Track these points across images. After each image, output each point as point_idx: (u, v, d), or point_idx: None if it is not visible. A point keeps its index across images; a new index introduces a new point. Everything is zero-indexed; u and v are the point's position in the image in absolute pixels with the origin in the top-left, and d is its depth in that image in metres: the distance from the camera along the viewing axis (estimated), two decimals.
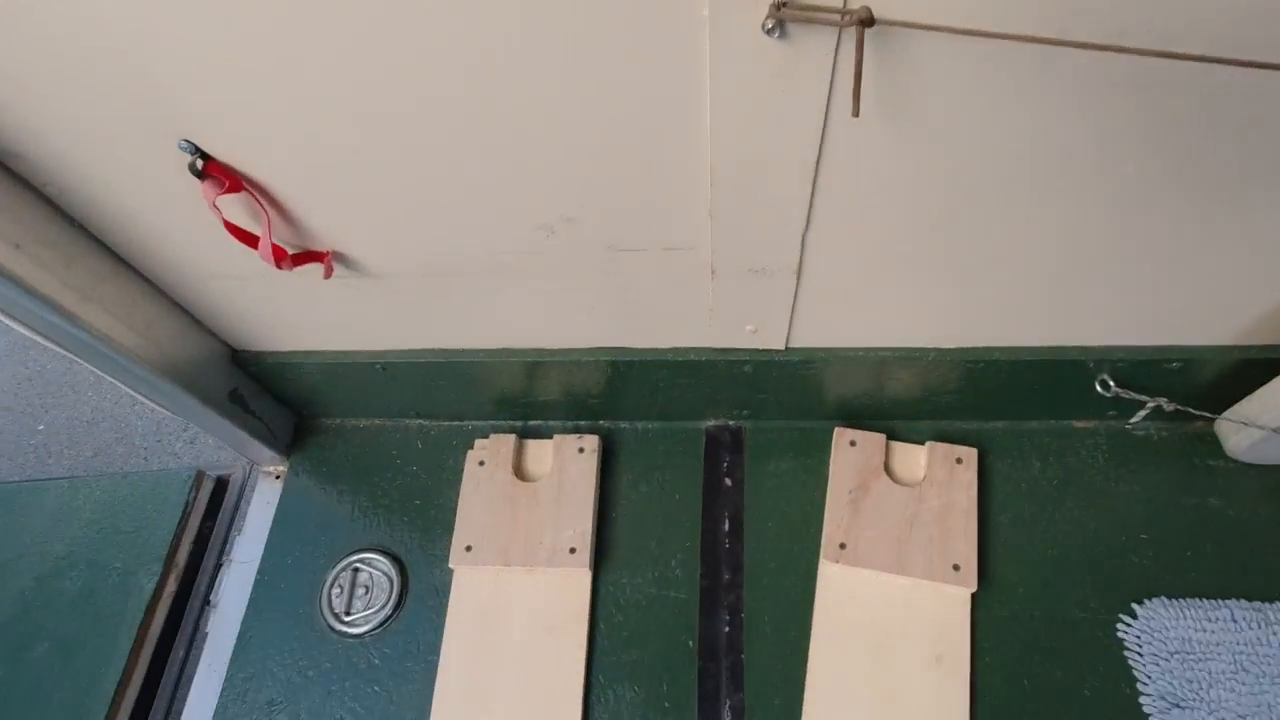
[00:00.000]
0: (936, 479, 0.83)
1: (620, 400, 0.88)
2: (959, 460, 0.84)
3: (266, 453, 0.93)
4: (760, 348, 0.77)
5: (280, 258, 0.62)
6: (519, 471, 0.89)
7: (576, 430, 0.92)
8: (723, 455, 0.90)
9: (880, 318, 0.74)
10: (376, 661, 0.82)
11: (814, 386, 0.83)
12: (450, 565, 0.83)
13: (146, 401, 0.78)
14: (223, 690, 0.82)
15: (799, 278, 0.67)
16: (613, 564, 0.85)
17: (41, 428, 1.76)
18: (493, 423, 0.95)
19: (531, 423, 0.95)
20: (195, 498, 0.95)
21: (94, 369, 0.69)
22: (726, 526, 0.86)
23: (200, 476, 0.96)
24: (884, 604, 0.79)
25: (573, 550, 0.82)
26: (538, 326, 0.79)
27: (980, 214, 0.60)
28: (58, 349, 0.66)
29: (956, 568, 0.78)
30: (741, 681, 0.78)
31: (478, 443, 0.91)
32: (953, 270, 0.67)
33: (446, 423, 0.96)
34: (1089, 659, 0.76)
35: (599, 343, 0.80)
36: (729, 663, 0.79)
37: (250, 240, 0.62)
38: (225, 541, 0.94)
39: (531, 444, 0.91)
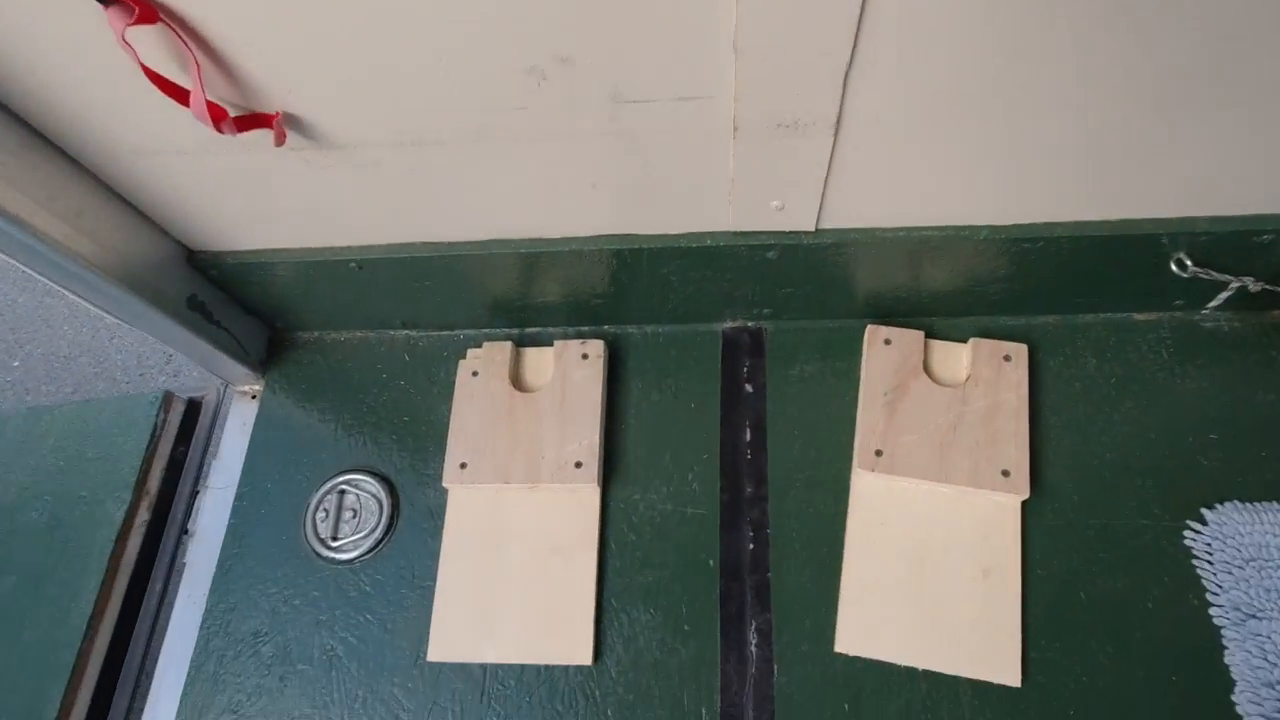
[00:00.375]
0: (982, 378, 0.74)
1: (627, 301, 0.79)
2: (1007, 357, 0.75)
3: (239, 370, 0.85)
4: (787, 229, 0.68)
5: (219, 118, 0.52)
6: (517, 382, 0.80)
7: (579, 336, 0.83)
8: (742, 359, 0.81)
9: (925, 189, 0.64)
10: (368, 588, 0.75)
11: (845, 277, 0.74)
12: (444, 484, 0.76)
13: (95, 308, 0.69)
14: (203, 622, 0.75)
15: (836, 134, 0.57)
16: (623, 479, 0.77)
17: (17, 364, 1.68)
18: (486, 331, 0.86)
19: (529, 330, 0.86)
20: (164, 420, 0.87)
21: (19, 264, 0.60)
22: (748, 436, 0.78)
23: (169, 398, 0.88)
24: (925, 515, 0.72)
25: (578, 465, 0.74)
26: (532, 212, 0.69)
27: (1053, 41, 0.49)
28: None
29: (1005, 473, 0.70)
30: (768, 601, 0.71)
31: (470, 352, 0.82)
32: (1017, 122, 0.56)
33: (435, 332, 0.87)
34: (1152, 569, 0.69)
35: (602, 229, 0.70)
36: (754, 582, 0.72)
37: (180, 95, 0.51)
38: (201, 467, 0.87)
39: (530, 352, 0.82)
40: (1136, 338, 0.78)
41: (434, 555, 0.75)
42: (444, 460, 0.77)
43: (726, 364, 0.81)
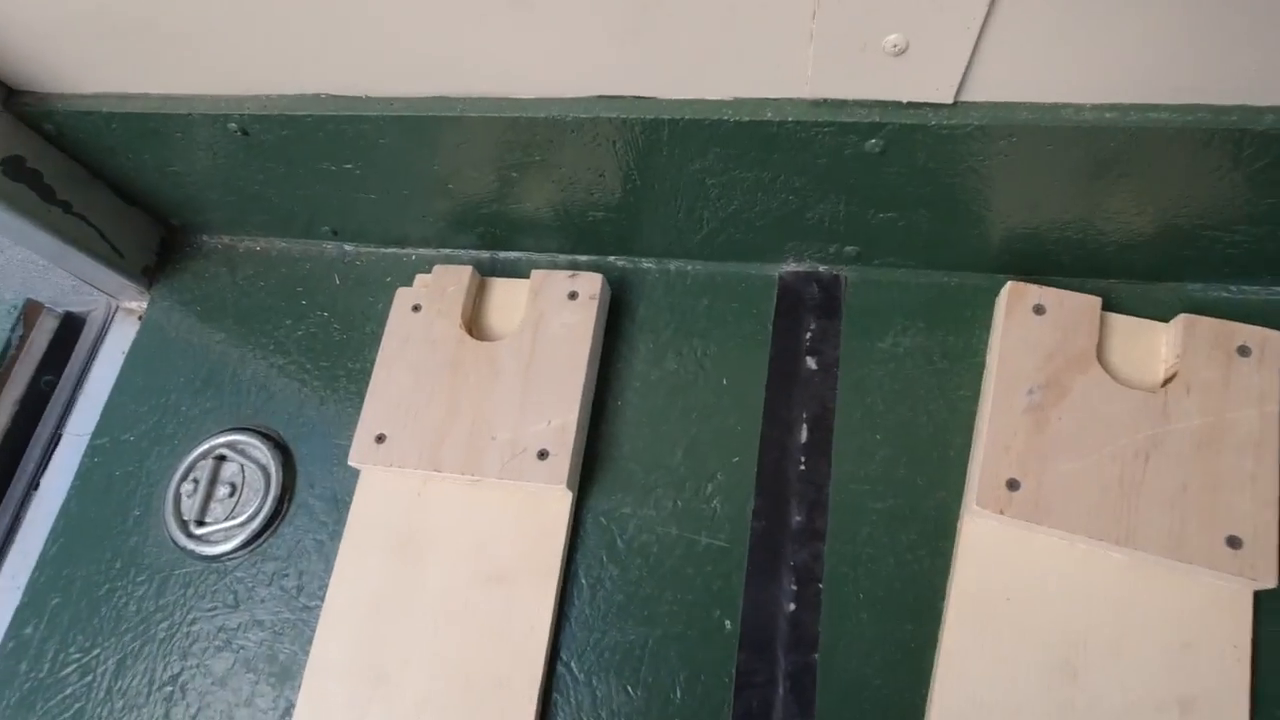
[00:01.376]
0: (1198, 379, 0.46)
1: (640, 216, 0.53)
2: (1243, 349, 0.46)
3: (114, 279, 0.63)
4: (907, 98, 0.40)
5: None
6: (474, 324, 0.56)
7: (573, 267, 0.58)
8: (805, 320, 0.55)
9: (1139, 48, 0.36)
10: (233, 600, 0.53)
11: (986, 195, 0.46)
12: (352, 462, 0.52)
13: None
14: (10, 628, 0.54)
15: None
16: (609, 483, 0.52)
17: None
18: (449, 252, 0.62)
19: (506, 254, 0.61)
20: (24, 339, 0.66)
21: None
22: (804, 436, 0.51)
23: (33, 310, 0.67)
24: (1086, 595, 0.44)
25: (544, 454, 0.50)
26: (494, 53, 0.43)
27: None
28: None
29: (1234, 542, 0.42)
30: (812, 701, 0.45)
31: (419, 278, 0.58)
32: None
33: (378, 248, 0.63)
34: None
35: (602, 87, 0.44)
36: (792, 665, 0.46)
37: None
38: (70, 404, 0.66)
39: (499, 284, 0.57)
40: None
41: (330, 561, 0.52)
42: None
43: (782, 325, 0.55)
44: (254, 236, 0.64)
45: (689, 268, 0.57)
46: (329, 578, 0.51)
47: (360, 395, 0.57)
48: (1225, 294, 0.51)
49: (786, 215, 0.50)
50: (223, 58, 0.46)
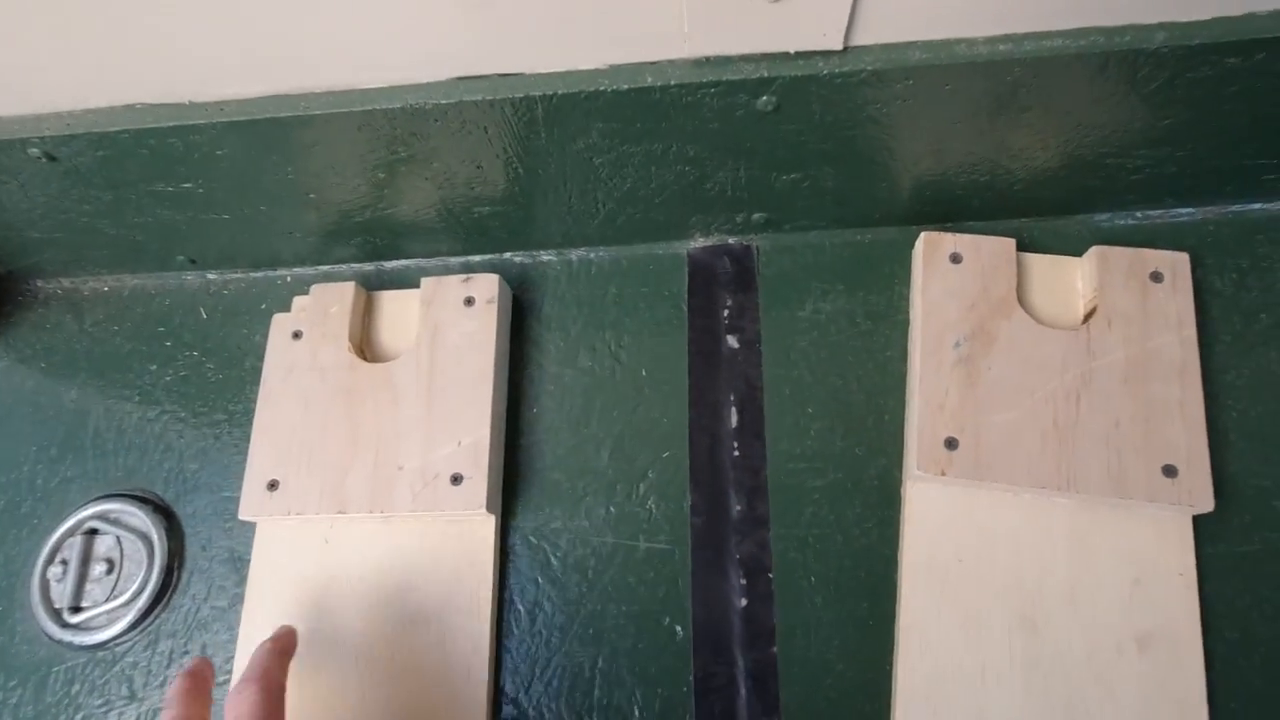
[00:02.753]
0: (1117, 311, 0.45)
1: (532, 207, 0.49)
2: (1156, 275, 0.45)
3: None
4: (794, 48, 0.37)
5: None
6: (365, 345, 0.50)
7: (466, 269, 0.53)
8: (720, 297, 0.51)
9: None
10: (127, 690, 0.46)
11: (888, 145, 0.43)
12: (243, 516, 0.46)
13: None
14: None
15: None
16: (534, 498, 0.48)
17: None
18: (326, 269, 0.56)
19: (392, 264, 0.55)
20: None
21: None
22: (734, 419, 0.48)
23: None
24: (1034, 547, 0.43)
25: (458, 479, 0.45)
26: (332, 39, 0.38)
27: None
28: None
29: (1170, 471, 0.41)
30: (776, 696, 0.43)
31: (297, 301, 0.52)
32: None
33: (246, 273, 0.56)
34: None
35: (460, 68, 0.39)
36: (751, 662, 0.43)
37: None
38: None
39: (386, 297, 0.52)
40: None
41: (236, 630, 0.47)
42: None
43: (696, 305, 0.51)
44: (99, 275, 0.57)
45: (592, 255, 0.53)
46: (235, 648, 0.46)
47: (247, 439, 0.51)
48: (1132, 221, 0.50)
49: (686, 188, 0.47)
50: (13, 69, 0.39)
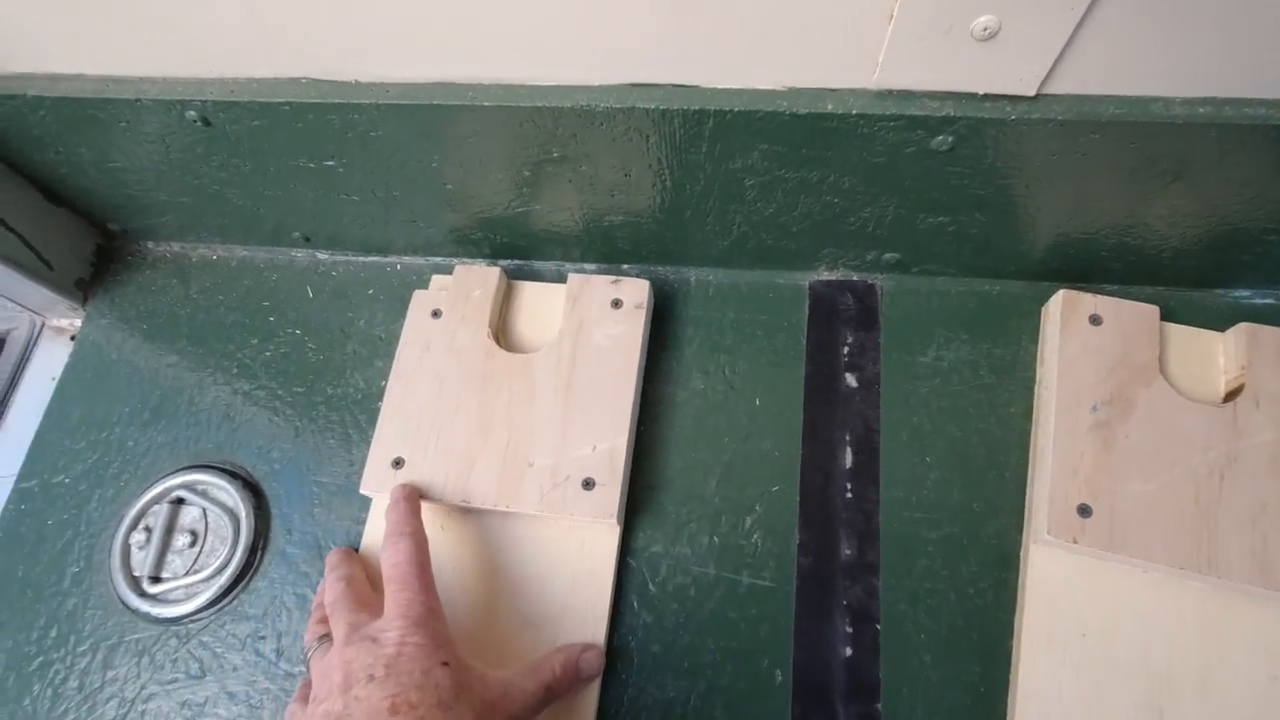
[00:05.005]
0: (1265, 391, 0.43)
1: (664, 222, 0.48)
2: None
3: (42, 293, 0.54)
4: (985, 90, 0.36)
5: None
6: (501, 334, 0.50)
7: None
8: (841, 332, 0.50)
9: (1234, 38, 0.33)
10: (197, 668, 0.45)
11: (1044, 198, 0.42)
12: (364, 490, 0.45)
13: None
14: None
15: None
16: (637, 517, 0.47)
17: None
18: (437, 261, 0.55)
19: (505, 264, 0.55)
20: None
21: None
22: (849, 459, 0.47)
23: None
24: (1165, 629, 0.41)
25: (589, 484, 0.44)
26: (510, 37, 0.37)
27: None
28: None
29: None
30: None
31: (436, 279, 0.51)
32: None
33: (358, 257, 0.55)
34: None
35: (636, 75, 0.38)
36: (852, 716, 0.41)
37: None
38: None
39: (528, 288, 0.51)
40: None
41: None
42: (361, 455, 0.46)
43: (816, 339, 0.50)
44: (210, 243, 0.56)
45: (712, 277, 0.52)
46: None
47: (342, 424, 0.50)
48: (1273, 300, 0.49)
49: (828, 220, 0.46)
50: (180, 31, 0.39)
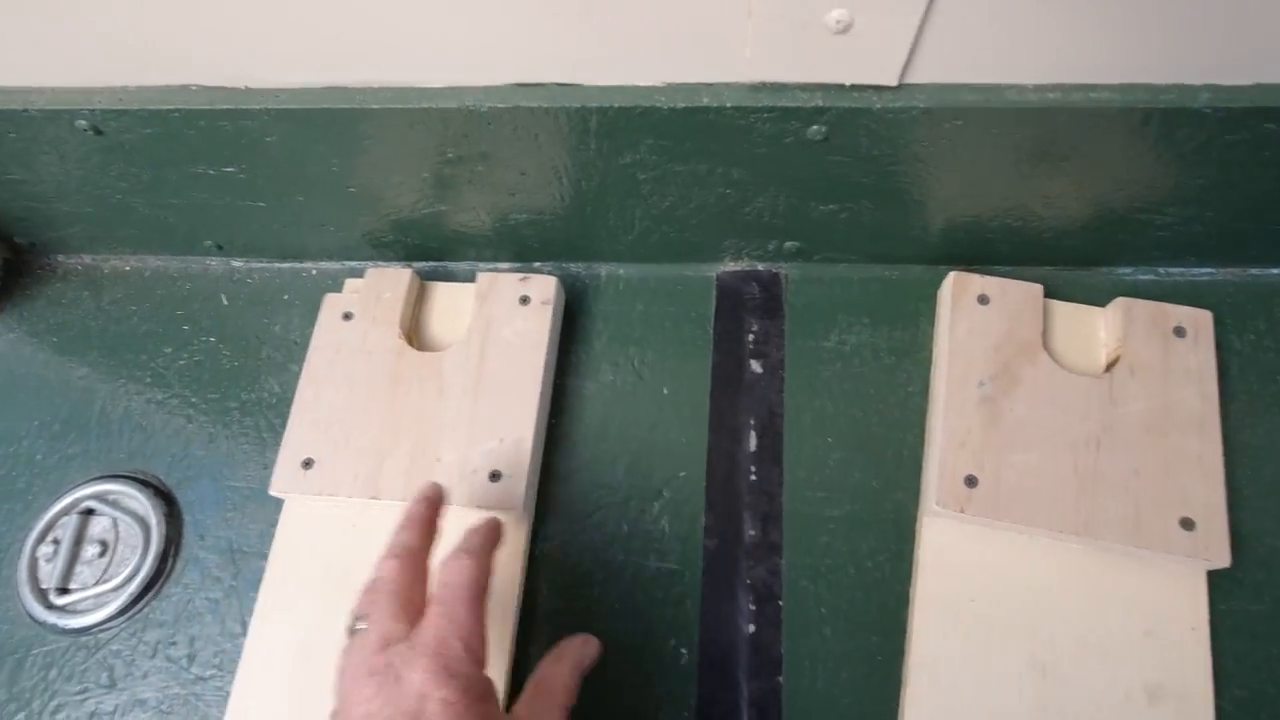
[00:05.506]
0: (1140, 362, 0.46)
1: (568, 220, 0.49)
2: (1179, 330, 0.46)
3: None
4: (850, 80, 0.38)
5: None
6: (414, 334, 0.50)
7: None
8: (746, 322, 0.52)
9: (1082, 27, 0.35)
10: (107, 678, 0.45)
11: (927, 184, 0.44)
12: (274, 491, 0.45)
13: None
14: None
15: None
16: (547, 509, 0.47)
17: None
18: (352, 265, 0.56)
19: (419, 265, 0.55)
20: None
21: None
22: (753, 443, 0.48)
23: None
24: (1049, 591, 0.43)
25: (496, 476, 0.45)
26: (396, 38, 0.38)
27: None
28: None
29: (1188, 524, 0.42)
30: None
31: (349, 283, 0.52)
32: None
33: (273, 263, 0.56)
34: None
35: (519, 74, 0.39)
36: (756, 690, 0.43)
37: None
38: None
39: (439, 288, 0.52)
40: None
41: (228, 624, 0.45)
42: (275, 459, 0.46)
43: (723, 328, 0.52)
44: (122, 255, 0.56)
45: (621, 271, 0.54)
46: (226, 642, 0.45)
47: (257, 429, 0.51)
48: (1154, 277, 0.51)
49: (724, 211, 0.47)
50: (67, 40, 0.39)
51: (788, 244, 0.50)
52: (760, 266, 0.53)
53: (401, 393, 0.47)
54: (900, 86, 0.38)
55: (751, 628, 0.44)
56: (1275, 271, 0.50)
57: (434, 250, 0.54)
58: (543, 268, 0.54)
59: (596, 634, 0.44)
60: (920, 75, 0.38)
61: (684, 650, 0.44)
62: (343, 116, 0.41)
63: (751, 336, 0.51)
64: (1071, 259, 0.51)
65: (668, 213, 0.48)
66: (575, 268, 0.54)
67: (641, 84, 0.39)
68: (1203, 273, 0.51)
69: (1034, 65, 0.37)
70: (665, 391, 0.50)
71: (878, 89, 0.38)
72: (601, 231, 0.50)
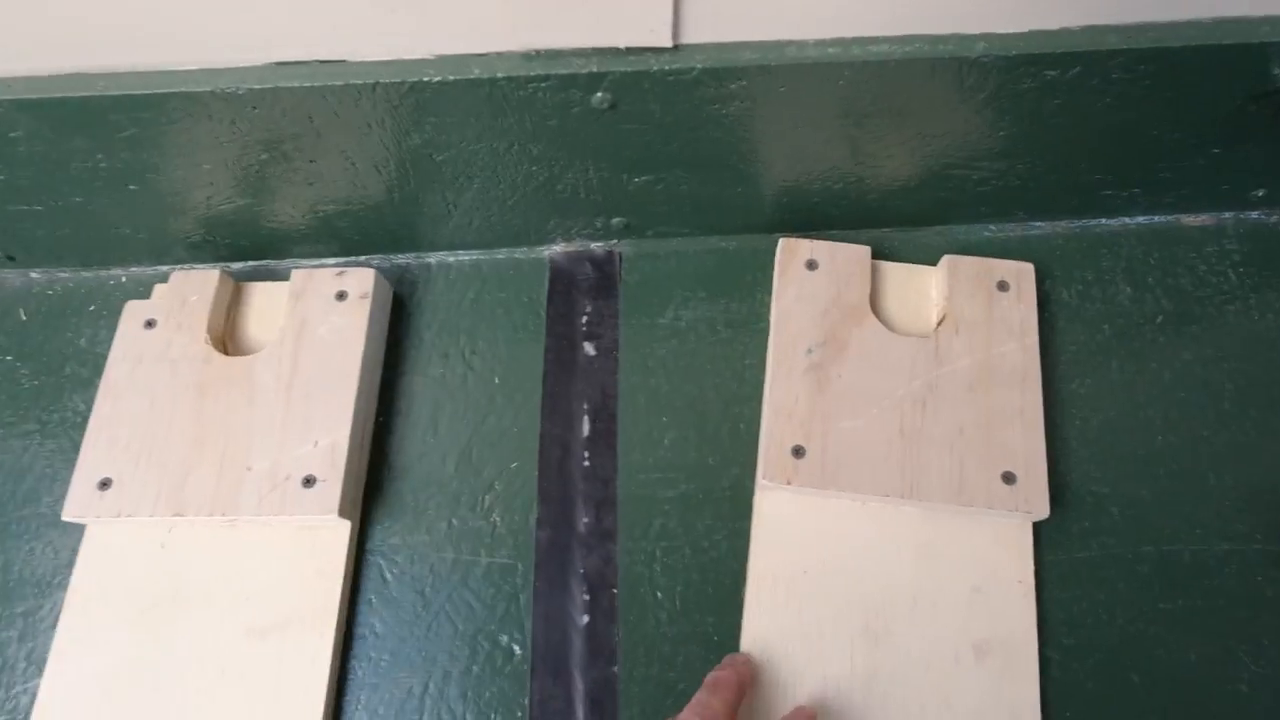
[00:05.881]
0: (964, 319, 0.45)
1: (381, 208, 0.46)
2: (1002, 285, 0.46)
3: None
4: (624, 45, 0.36)
5: None
6: (229, 339, 0.47)
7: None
8: (580, 303, 0.50)
9: None
10: None
11: (736, 148, 0.43)
12: (66, 516, 0.42)
13: None
14: None
15: None
16: (376, 512, 0.45)
17: None
18: (168, 269, 0.52)
19: (240, 266, 0.52)
20: None
21: None
22: (586, 429, 0.47)
23: None
24: (880, 556, 0.42)
25: (310, 481, 0.42)
26: (157, 18, 0.35)
27: None
28: None
29: (1009, 478, 0.42)
30: (614, 717, 0.41)
31: (157, 289, 0.48)
32: None
33: (77, 273, 0.52)
34: (1247, 627, 0.41)
35: (281, 53, 0.37)
36: (589, 684, 0.41)
37: None
38: None
39: (256, 288, 0.49)
40: (1187, 251, 0.50)
41: (19, 667, 0.42)
42: (66, 482, 0.43)
43: (555, 311, 0.50)
44: None
45: (451, 260, 0.51)
46: (17, 686, 0.41)
47: (61, 451, 0.47)
48: (986, 234, 0.51)
49: (537, 189, 0.45)
50: None
51: (614, 220, 0.49)
52: (594, 246, 0.51)
53: (209, 402, 0.44)
54: (677, 48, 0.36)
55: (585, 619, 0.43)
56: (1100, 222, 0.51)
57: (253, 249, 0.51)
58: (370, 261, 0.52)
59: (422, 639, 0.42)
60: (697, 35, 0.36)
61: (516, 648, 0.42)
62: (91, 106, 0.37)
63: (585, 318, 0.49)
64: (904, 219, 0.50)
65: (481, 195, 0.46)
66: (404, 259, 0.51)
67: (408, 57, 0.36)
68: (1035, 227, 0.51)
69: (815, 20, 0.36)
70: (496, 381, 0.48)
71: (655, 51, 0.36)
72: (419, 220, 0.48)
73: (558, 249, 0.51)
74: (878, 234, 0.51)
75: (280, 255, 0.52)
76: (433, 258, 0.51)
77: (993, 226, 0.51)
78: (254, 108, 0.38)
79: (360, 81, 0.37)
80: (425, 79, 0.36)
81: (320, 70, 0.37)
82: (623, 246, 0.51)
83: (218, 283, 0.47)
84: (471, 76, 0.36)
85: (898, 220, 0.50)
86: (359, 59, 0.37)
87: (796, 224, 0.50)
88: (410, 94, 0.37)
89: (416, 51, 0.37)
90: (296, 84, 0.37)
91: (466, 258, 0.51)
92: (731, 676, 0.37)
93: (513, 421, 0.47)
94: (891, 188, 0.47)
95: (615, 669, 0.41)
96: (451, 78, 0.36)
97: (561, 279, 0.51)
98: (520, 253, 0.51)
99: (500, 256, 0.51)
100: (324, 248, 0.51)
